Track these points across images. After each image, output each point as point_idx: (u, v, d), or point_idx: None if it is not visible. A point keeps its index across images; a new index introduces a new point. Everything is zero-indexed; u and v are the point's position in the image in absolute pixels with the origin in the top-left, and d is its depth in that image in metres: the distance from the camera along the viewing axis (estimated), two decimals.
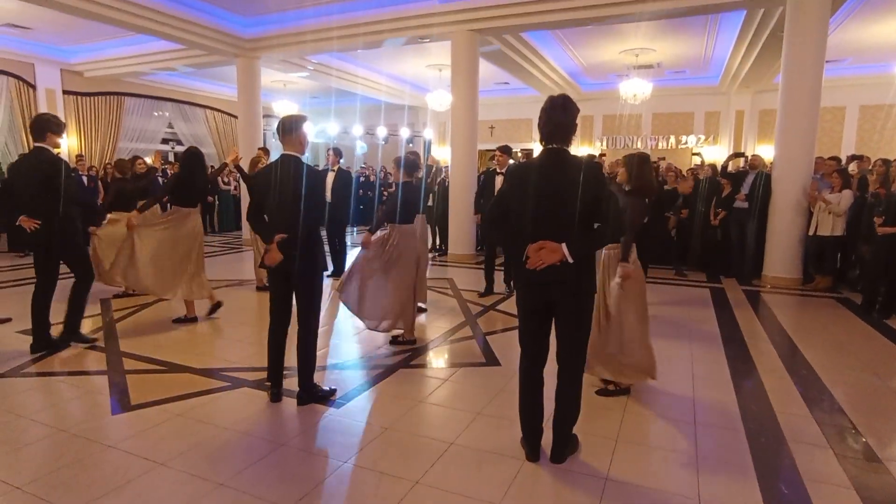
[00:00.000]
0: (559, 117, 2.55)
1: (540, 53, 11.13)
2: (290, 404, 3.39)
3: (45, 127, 4.19)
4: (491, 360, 4.29)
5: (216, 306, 5.36)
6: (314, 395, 3.40)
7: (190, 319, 5.11)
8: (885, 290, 5.73)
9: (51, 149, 4.22)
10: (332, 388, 3.55)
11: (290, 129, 3.25)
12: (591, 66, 12.38)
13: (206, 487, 2.48)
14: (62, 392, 3.57)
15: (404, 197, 4.47)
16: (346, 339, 4.83)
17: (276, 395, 3.40)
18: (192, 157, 5.13)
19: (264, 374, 3.83)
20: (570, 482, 2.58)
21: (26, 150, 11.03)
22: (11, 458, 2.72)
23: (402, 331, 4.58)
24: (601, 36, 9.99)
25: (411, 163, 4.60)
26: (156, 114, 14.46)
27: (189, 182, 5.08)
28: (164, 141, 15.09)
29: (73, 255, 4.42)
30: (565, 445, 2.75)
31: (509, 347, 4.55)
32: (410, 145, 18.57)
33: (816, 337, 5.04)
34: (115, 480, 2.52)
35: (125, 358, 4.19)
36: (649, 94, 11.33)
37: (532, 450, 2.76)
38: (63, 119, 11.51)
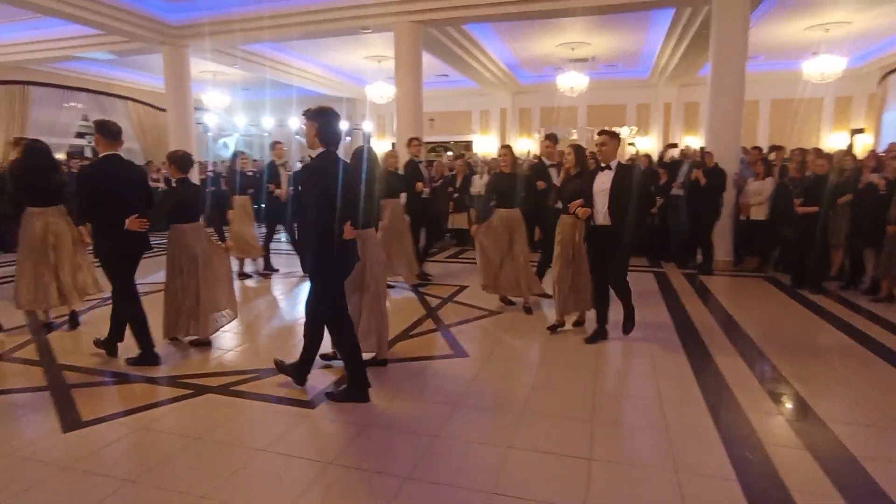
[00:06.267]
0: None
1: (480, 46, 11.24)
2: (261, 409, 3.26)
3: None
4: (458, 351, 4.31)
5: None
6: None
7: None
8: (804, 263, 6.27)
9: None
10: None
11: None
12: (529, 59, 12.64)
13: (186, 502, 2.33)
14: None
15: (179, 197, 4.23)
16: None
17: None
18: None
19: (230, 378, 3.71)
20: (555, 467, 2.65)
21: None
22: None
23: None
24: (539, 29, 10.21)
25: (180, 158, 4.32)
26: (68, 105, 13.29)
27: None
28: (80, 135, 13.94)
29: None
30: None
31: (474, 339, 4.60)
32: (349, 139, 18.25)
33: (751, 312, 5.45)
34: (82, 503, 2.32)
35: (64, 371, 3.85)
36: (586, 87, 11.72)
37: None
38: None
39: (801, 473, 2.58)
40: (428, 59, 11.16)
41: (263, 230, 7.40)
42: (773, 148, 8.69)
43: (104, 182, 3.78)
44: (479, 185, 9.32)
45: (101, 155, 3.94)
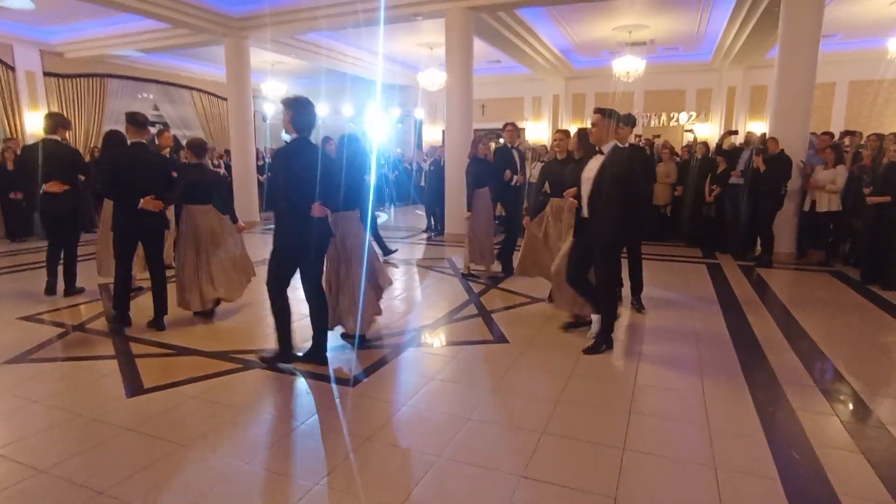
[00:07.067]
0: None
1: (534, 31, 11.01)
2: (303, 384, 3.42)
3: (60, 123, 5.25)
4: (499, 337, 4.33)
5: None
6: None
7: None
8: (876, 258, 5.84)
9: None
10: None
11: None
12: (584, 44, 12.28)
13: (231, 467, 2.50)
14: (72, 377, 3.55)
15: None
16: None
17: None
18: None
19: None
20: (587, 455, 2.64)
21: (8, 134, 10.80)
22: (32, 443, 2.71)
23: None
24: (595, 12, 9.88)
25: (195, 145, 4.68)
26: (140, 96, 14.12)
27: None
28: (150, 124, 14.77)
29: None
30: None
31: (516, 326, 4.60)
32: (400, 125, 18.42)
33: (812, 307, 5.15)
34: (140, 462, 2.53)
35: (131, 342, 4.17)
36: (642, 71, 11.29)
37: None
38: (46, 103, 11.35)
39: (853, 478, 2.44)
40: (480, 46, 11.08)
41: None
42: (846, 133, 8.07)
43: (127, 165, 4.20)
44: (527, 172, 9.24)
45: (129, 142, 4.35)
